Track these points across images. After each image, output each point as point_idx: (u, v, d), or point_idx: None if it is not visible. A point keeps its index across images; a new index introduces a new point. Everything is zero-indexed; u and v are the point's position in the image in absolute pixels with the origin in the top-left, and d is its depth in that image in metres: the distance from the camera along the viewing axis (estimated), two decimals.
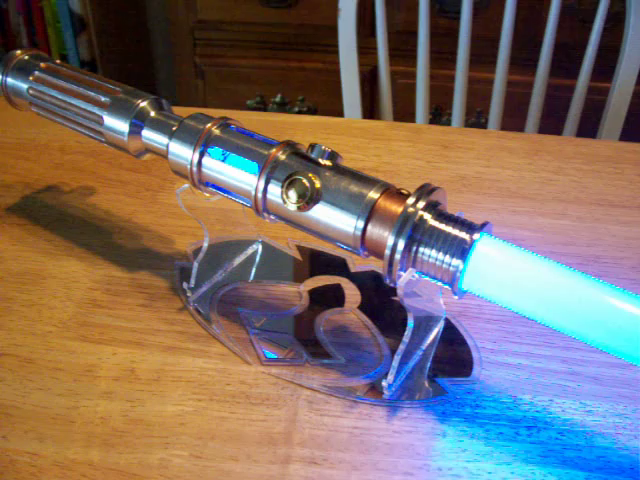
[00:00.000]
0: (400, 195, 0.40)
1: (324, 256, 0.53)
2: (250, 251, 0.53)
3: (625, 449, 0.38)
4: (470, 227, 0.38)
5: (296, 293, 0.50)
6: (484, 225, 0.38)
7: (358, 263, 0.52)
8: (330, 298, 0.49)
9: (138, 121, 0.46)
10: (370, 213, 0.39)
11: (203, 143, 0.44)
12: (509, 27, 1.03)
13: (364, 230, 0.39)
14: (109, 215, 0.58)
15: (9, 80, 0.51)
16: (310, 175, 0.40)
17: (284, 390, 0.42)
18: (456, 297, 0.39)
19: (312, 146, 0.42)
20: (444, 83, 1.20)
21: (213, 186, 0.45)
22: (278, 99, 1.63)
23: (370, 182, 0.40)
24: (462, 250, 0.37)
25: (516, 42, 1.06)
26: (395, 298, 0.48)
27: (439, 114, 1.52)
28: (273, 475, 0.37)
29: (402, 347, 0.40)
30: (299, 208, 0.40)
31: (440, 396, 0.41)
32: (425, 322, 0.45)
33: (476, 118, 1.51)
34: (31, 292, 0.50)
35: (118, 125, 0.47)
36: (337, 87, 1.10)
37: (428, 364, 0.44)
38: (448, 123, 1.41)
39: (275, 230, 0.55)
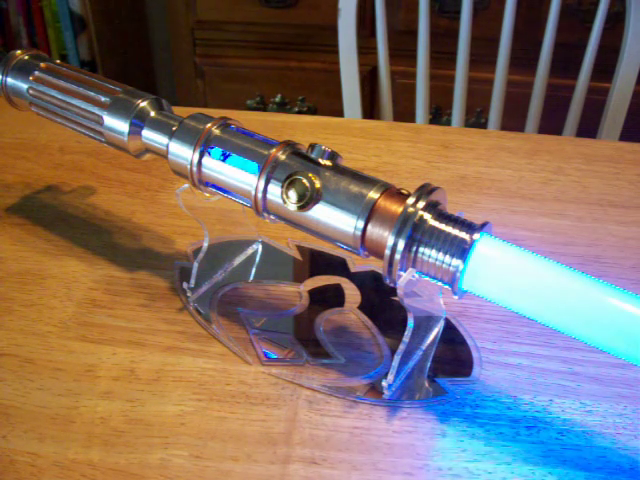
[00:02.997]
0: (400, 195, 0.40)
1: (324, 256, 0.53)
2: (250, 251, 0.53)
3: (625, 449, 0.38)
4: (470, 227, 0.38)
5: (296, 293, 0.50)
6: (484, 225, 0.38)
7: (358, 263, 0.52)
8: (330, 298, 0.49)
9: (138, 121, 0.46)
10: (370, 213, 0.39)
11: (203, 143, 0.44)
12: (509, 27, 1.03)
13: (364, 230, 0.39)
14: (109, 215, 0.58)
15: (9, 80, 0.51)
16: (310, 175, 0.40)
17: (284, 390, 0.42)
18: (456, 297, 0.39)
19: (312, 146, 0.42)
20: (444, 83, 1.20)
21: (213, 186, 0.45)
22: (278, 99, 1.63)
23: (370, 182, 0.40)
24: (462, 250, 0.37)
25: (516, 42, 1.06)
26: (395, 298, 0.48)
27: (439, 114, 1.52)
28: (273, 475, 0.37)
29: (402, 347, 0.40)
30: (299, 208, 0.40)
31: (440, 396, 0.41)
32: (425, 322, 0.45)
33: (476, 118, 1.51)
34: (31, 292, 0.50)
35: (118, 125, 0.47)
36: (337, 87, 1.10)
37: (428, 364, 0.44)
38: (448, 123, 1.41)
39: (275, 230, 0.55)
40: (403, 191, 0.40)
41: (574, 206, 0.59)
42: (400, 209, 0.38)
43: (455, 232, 0.37)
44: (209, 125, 0.44)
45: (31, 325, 0.47)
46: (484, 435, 0.39)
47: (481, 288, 0.37)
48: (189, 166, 0.44)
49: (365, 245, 0.40)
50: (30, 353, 0.45)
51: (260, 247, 0.54)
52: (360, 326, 0.47)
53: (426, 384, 0.43)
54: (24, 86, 0.50)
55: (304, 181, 0.40)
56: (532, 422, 0.40)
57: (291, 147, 0.43)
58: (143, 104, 0.47)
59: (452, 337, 0.46)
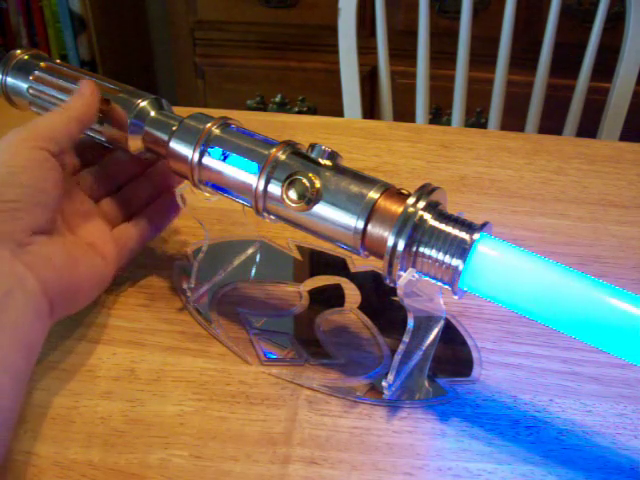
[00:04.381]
0: (400, 195, 0.40)
1: (324, 256, 0.53)
2: (250, 251, 0.53)
3: (625, 449, 0.38)
4: (470, 227, 0.38)
5: (296, 293, 0.50)
6: (484, 225, 0.38)
7: (358, 263, 0.52)
8: (330, 298, 0.49)
9: (138, 121, 0.46)
10: (370, 213, 0.39)
11: (203, 143, 0.44)
12: (509, 27, 1.03)
13: (364, 230, 0.39)
14: None
15: (9, 80, 0.51)
16: (310, 175, 0.40)
17: (284, 390, 0.42)
18: (456, 297, 0.39)
19: (312, 146, 0.42)
20: (444, 83, 1.20)
21: (213, 186, 0.45)
22: (278, 99, 1.63)
23: (370, 182, 0.40)
24: (462, 250, 0.37)
25: (516, 42, 1.06)
26: (395, 298, 0.48)
27: (439, 114, 1.52)
28: (273, 475, 0.37)
29: (402, 347, 0.40)
30: (299, 208, 0.40)
31: (440, 396, 0.41)
32: (425, 322, 0.45)
33: (476, 118, 1.51)
34: None
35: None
36: (337, 87, 1.10)
37: (428, 364, 0.44)
38: (448, 123, 1.41)
39: (275, 230, 0.55)
40: (403, 191, 0.40)
41: (574, 206, 0.59)
42: (400, 209, 0.38)
43: (455, 232, 0.37)
44: (209, 125, 0.44)
45: None
46: (484, 435, 0.39)
47: (481, 288, 0.37)
48: (189, 166, 0.44)
49: (365, 245, 0.40)
50: None
51: (260, 247, 0.54)
52: (360, 326, 0.47)
53: (426, 384, 0.43)
54: (24, 86, 0.50)
55: (304, 181, 0.40)
56: (532, 422, 0.40)
57: (291, 147, 0.43)
58: (143, 104, 0.47)
59: (452, 337, 0.46)
